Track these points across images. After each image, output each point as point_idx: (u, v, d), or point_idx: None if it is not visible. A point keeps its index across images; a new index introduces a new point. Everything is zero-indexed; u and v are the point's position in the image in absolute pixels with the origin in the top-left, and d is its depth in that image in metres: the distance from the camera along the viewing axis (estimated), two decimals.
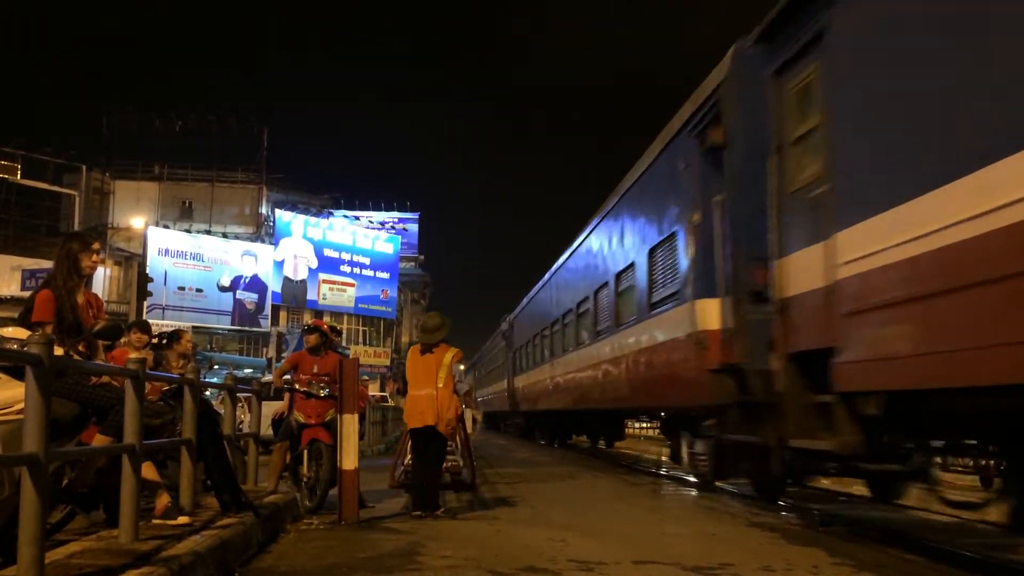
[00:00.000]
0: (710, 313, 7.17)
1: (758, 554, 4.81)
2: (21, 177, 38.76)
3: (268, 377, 16.05)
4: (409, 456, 7.19)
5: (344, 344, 42.26)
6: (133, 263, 40.36)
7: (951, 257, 3.97)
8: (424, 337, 6.69)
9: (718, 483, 8.58)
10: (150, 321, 15.16)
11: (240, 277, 43.54)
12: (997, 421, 4.65)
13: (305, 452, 6.93)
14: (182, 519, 4.63)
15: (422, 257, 59.29)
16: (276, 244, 44.89)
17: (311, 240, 46.31)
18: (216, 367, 31.67)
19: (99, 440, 4.24)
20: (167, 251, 41.24)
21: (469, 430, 9.58)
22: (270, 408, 8.05)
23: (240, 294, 43.48)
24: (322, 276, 46.48)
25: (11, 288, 34.13)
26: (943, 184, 4.03)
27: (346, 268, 47.84)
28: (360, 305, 48.50)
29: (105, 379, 4.32)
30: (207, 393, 7.29)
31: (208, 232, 43.86)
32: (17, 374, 3.53)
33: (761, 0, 5.76)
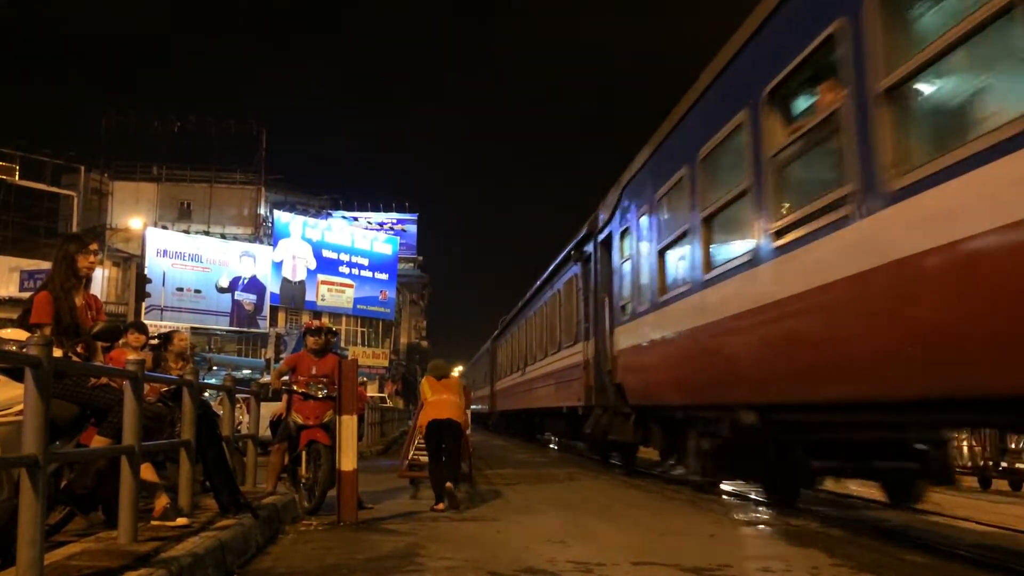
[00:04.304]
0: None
1: (757, 554, 4.82)
2: (20, 178, 38.72)
3: (266, 378, 16.06)
4: (412, 453, 8.48)
5: (342, 345, 42.28)
6: (131, 264, 40.23)
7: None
8: (439, 371, 8.18)
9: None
10: (148, 322, 15.19)
11: (239, 278, 43.51)
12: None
13: (304, 453, 6.93)
14: (181, 520, 4.62)
15: (421, 258, 59.41)
16: (275, 245, 44.88)
17: (310, 241, 46.30)
18: (215, 368, 31.71)
19: (98, 441, 4.24)
20: (165, 252, 41.21)
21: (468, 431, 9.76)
22: (269, 409, 8.06)
23: (238, 295, 43.45)
24: (321, 277, 46.47)
25: (9, 289, 34.13)
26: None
27: (345, 269, 47.83)
28: (359, 306, 48.48)
29: (104, 380, 4.32)
30: (206, 394, 7.29)
31: (207, 233, 43.84)
32: (16, 376, 3.53)
33: None
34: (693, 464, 7.93)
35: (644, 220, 8.83)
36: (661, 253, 8.05)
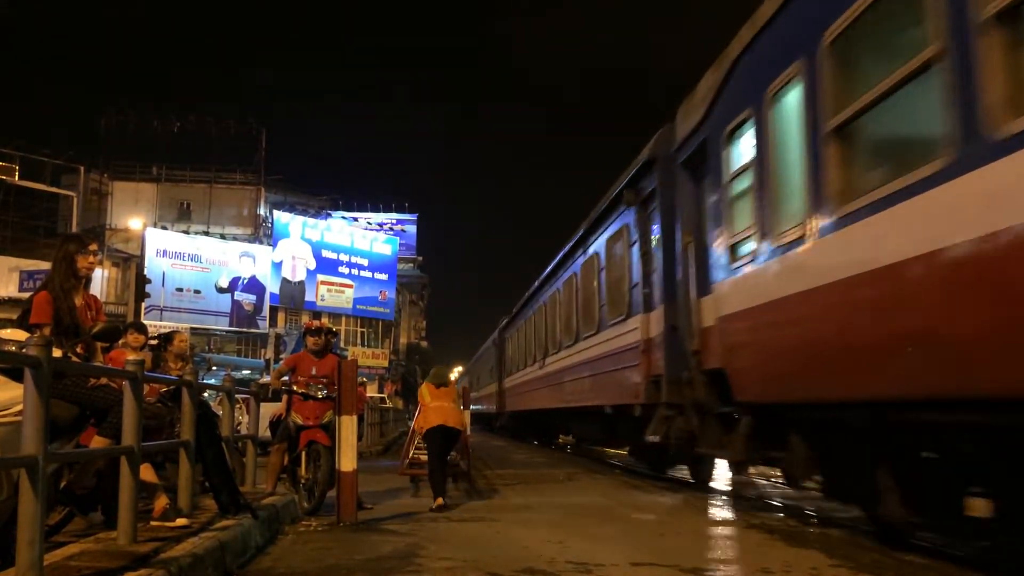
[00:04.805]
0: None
1: (756, 556, 4.82)
2: (19, 178, 38.70)
3: (266, 378, 16.05)
4: (413, 452, 8.84)
5: (342, 345, 42.28)
6: (131, 264, 40.24)
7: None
8: (439, 379, 8.30)
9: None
10: (148, 322, 15.19)
11: (238, 278, 43.51)
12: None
13: (303, 454, 6.93)
14: (180, 521, 4.63)
15: (420, 258, 59.40)
16: (274, 245, 44.87)
17: (309, 241, 46.30)
18: (214, 368, 31.71)
19: (97, 442, 4.24)
20: (165, 252, 41.21)
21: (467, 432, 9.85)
22: (268, 410, 8.06)
23: (238, 295, 43.44)
24: (320, 277, 46.47)
25: (9, 289, 34.11)
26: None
27: (344, 269, 47.83)
28: (358, 306, 48.48)
29: (103, 381, 4.32)
30: (205, 395, 7.29)
31: (206, 233, 43.82)
32: (16, 376, 3.53)
33: None
34: (894, 508, 4.78)
35: (790, 93, 5.38)
36: (839, 131, 4.66)
